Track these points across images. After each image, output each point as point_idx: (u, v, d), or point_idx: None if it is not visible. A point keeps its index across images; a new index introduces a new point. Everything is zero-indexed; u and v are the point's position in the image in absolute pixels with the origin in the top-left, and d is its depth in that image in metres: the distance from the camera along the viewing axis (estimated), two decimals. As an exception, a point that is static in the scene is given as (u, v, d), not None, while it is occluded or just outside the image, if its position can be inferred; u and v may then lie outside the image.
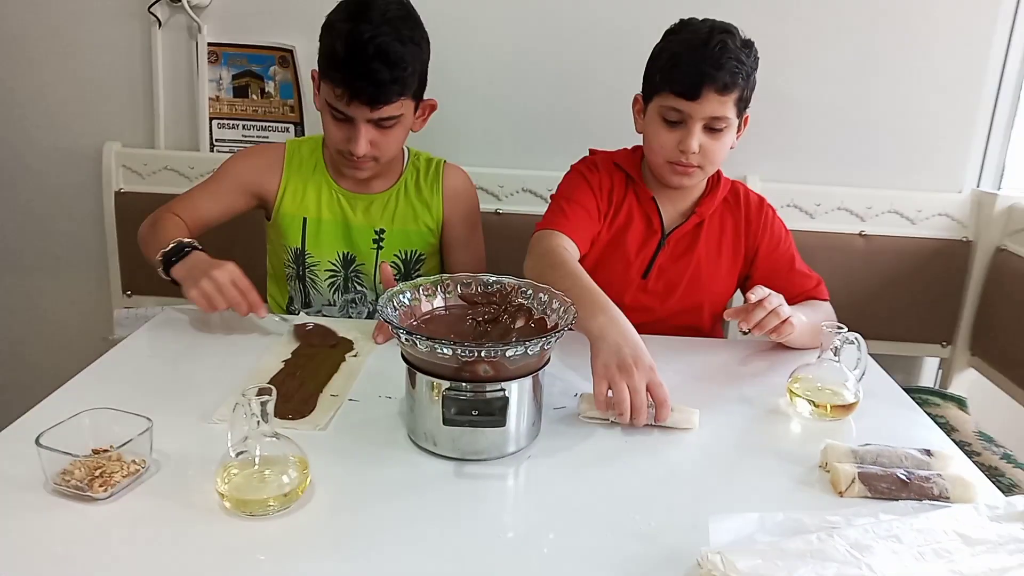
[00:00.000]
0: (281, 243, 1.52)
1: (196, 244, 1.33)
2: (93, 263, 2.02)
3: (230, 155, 1.87)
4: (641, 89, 1.41)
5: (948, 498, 0.90)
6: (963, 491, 0.91)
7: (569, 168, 1.50)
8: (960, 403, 1.81)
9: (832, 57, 1.83)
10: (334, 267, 1.53)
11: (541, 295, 1.06)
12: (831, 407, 1.11)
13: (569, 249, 1.33)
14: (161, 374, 1.18)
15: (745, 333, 1.25)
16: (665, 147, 1.35)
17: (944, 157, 1.90)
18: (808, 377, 1.15)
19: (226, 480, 0.86)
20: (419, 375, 0.95)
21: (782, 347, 1.33)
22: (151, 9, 1.84)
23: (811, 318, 1.31)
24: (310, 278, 1.53)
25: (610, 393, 1.03)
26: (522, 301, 1.07)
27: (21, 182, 2.00)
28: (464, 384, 0.92)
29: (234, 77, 1.91)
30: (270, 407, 0.85)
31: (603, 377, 1.04)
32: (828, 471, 0.97)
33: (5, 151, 1.98)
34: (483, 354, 0.89)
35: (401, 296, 1.04)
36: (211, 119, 1.94)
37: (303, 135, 1.94)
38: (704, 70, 1.27)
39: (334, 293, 1.54)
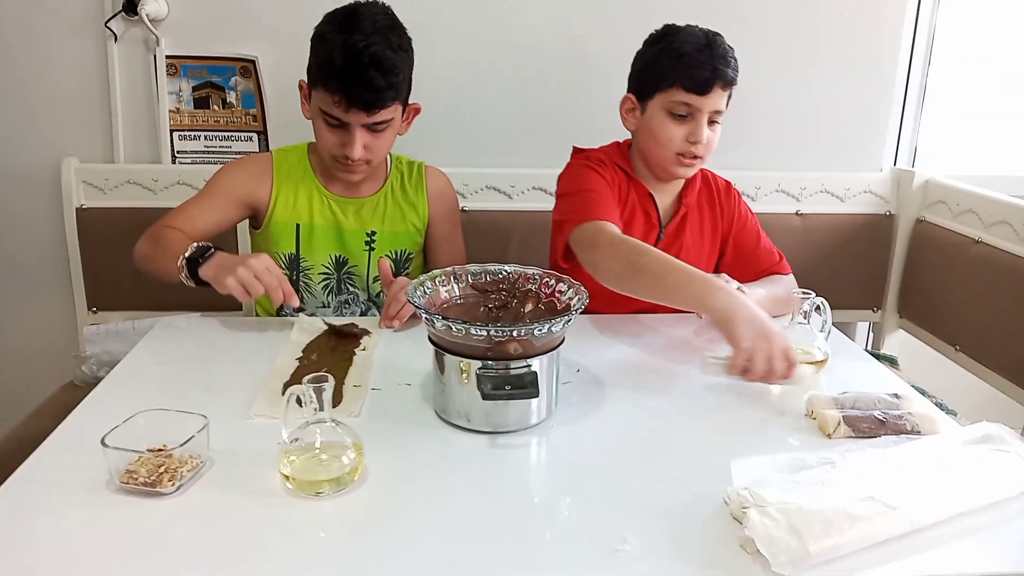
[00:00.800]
0: (273, 250, 1.57)
1: (216, 246, 1.37)
2: (56, 281, 1.99)
3: (198, 167, 1.93)
4: (631, 89, 1.53)
5: (920, 432, 1.04)
6: (930, 425, 1.05)
7: (568, 164, 1.56)
8: (892, 362, 1.99)
9: (767, 52, 1.99)
10: (327, 270, 1.58)
11: (549, 280, 1.16)
12: (803, 364, 1.25)
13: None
14: (179, 381, 1.22)
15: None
16: (675, 140, 1.45)
17: (865, 139, 2.09)
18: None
19: (288, 464, 0.92)
20: (448, 357, 1.03)
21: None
22: (107, 24, 1.84)
23: (772, 291, 1.45)
24: (304, 282, 1.58)
25: None
26: (529, 287, 1.17)
27: (-25, 201, 1.96)
28: (493, 363, 1.01)
29: (194, 88, 1.93)
30: (327, 395, 0.92)
31: (749, 347, 1.12)
32: (815, 418, 1.10)
33: (-44, 170, 1.94)
34: (515, 333, 0.98)
35: (423, 287, 1.12)
36: (172, 131, 1.95)
37: (267, 143, 1.97)
38: (716, 67, 1.41)
39: (328, 295, 1.60)
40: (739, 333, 1.14)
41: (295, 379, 1.19)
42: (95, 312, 1.99)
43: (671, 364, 1.31)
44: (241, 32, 1.89)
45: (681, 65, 1.42)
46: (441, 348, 1.04)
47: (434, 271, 1.16)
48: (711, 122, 1.46)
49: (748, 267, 1.58)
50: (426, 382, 1.18)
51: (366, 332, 1.38)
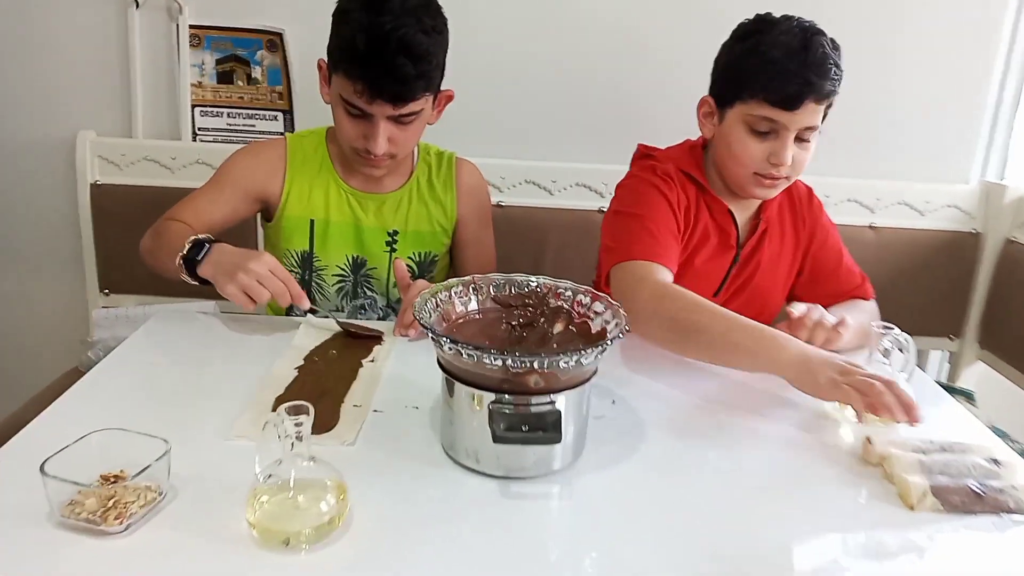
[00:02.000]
0: (284, 247, 1.42)
1: (212, 238, 1.23)
2: (68, 260, 1.90)
3: (219, 146, 1.81)
4: (711, 91, 1.32)
5: (1026, 511, 0.85)
6: (1040, 503, 0.86)
7: (630, 171, 1.38)
8: (968, 397, 1.78)
9: (845, 46, 1.77)
10: (343, 271, 1.44)
11: (582, 296, 0.99)
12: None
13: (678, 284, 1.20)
14: (167, 383, 1.08)
15: None
16: (755, 159, 1.25)
17: (951, 147, 1.87)
18: (855, 378, 1.10)
19: (256, 508, 0.77)
20: (457, 386, 0.88)
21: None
22: (128, -12, 1.72)
23: (856, 320, 1.25)
24: (316, 283, 1.44)
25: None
26: (560, 303, 1.00)
27: (-12, 174, 1.87)
28: (510, 396, 0.85)
29: (218, 62, 1.80)
30: (307, 428, 0.77)
31: (837, 390, 1.00)
32: (893, 480, 0.92)
33: (-31, 141, 1.84)
34: (536, 365, 0.81)
35: (434, 299, 0.96)
36: (193, 106, 1.82)
37: (292, 123, 1.84)
38: (808, 79, 1.18)
39: (342, 299, 1.45)
40: (818, 383, 1.01)
41: (290, 393, 1.05)
42: (107, 294, 1.88)
43: (725, 399, 1.13)
44: (269, 3, 1.76)
45: (766, 74, 1.20)
46: (450, 374, 0.88)
47: (450, 280, 1.00)
48: (800, 139, 1.25)
49: (827, 288, 1.38)
50: (437, 407, 1.03)
51: (379, 336, 1.23)
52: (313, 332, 1.25)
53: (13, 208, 1.88)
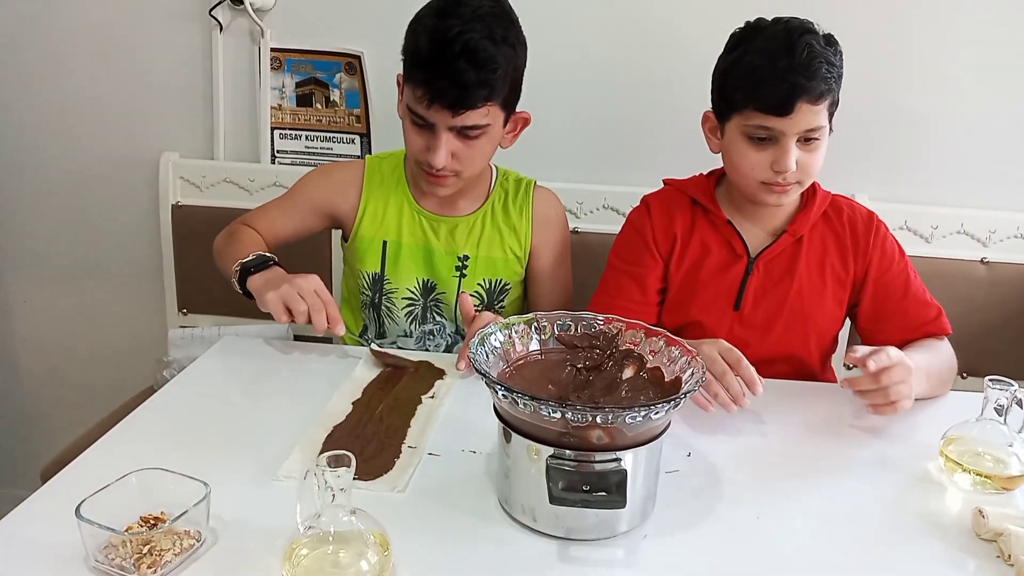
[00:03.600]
0: (357, 267, 1.40)
1: (276, 259, 1.27)
2: (148, 278, 1.92)
3: (296, 168, 1.80)
4: (712, 106, 1.26)
5: None
6: None
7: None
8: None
9: (953, 63, 1.64)
10: (412, 295, 1.40)
11: (656, 339, 0.91)
12: (996, 478, 0.94)
13: None
14: (218, 417, 1.05)
15: (848, 368, 1.10)
16: (757, 168, 1.19)
17: (1078, 176, 1.69)
18: (965, 438, 0.98)
19: (295, 563, 0.72)
20: (514, 437, 0.81)
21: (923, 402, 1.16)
22: (212, 12, 1.74)
23: (930, 362, 1.14)
24: (386, 306, 1.40)
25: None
26: (631, 346, 0.92)
27: (75, 192, 1.91)
28: (571, 452, 0.77)
29: (297, 85, 1.80)
30: (347, 479, 0.71)
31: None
32: (1011, 562, 0.80)
33: (59, 159, 1.89)
34: (599, 420, 0.74)
35: (492, 339, 0.90)
36: (272, 129, 1.83)
37: (370, 146, 1.81)
38: (795, 81, 1.12)
39: (411, 323, 1.41)
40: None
41: (340, 432, 1.00)
42: (185, 314, 1.90)
43: (813, 454, 1.02)
44: (348, 25, 1.74)
45: (753, 83, 1.16)
46: (506, 423, 0.82)
47: (511, 318, 0.93)
48: (808, 141, 1.17)
49: (893, 322, 1.26)
50: (495, 453, 0.96)
51: (440, 372, 1.18)
52: (374, 362, 1.20)
53: (97, 226, 1.92)
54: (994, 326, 1.70)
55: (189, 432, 1.01)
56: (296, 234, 1.41)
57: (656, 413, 0.75)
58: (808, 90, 1.13)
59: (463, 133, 1.22)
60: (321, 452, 0.95)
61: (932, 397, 1.16)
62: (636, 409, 0.73)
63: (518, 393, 0.75)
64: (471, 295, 1.36)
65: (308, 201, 1.40)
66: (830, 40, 1.17)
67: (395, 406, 1.08)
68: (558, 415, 0.74)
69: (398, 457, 0.95)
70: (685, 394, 0.77)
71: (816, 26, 1.18)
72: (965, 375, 1.62)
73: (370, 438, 0.99)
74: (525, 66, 1.26)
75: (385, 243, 1.38)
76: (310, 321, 1.15)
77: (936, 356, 1.20)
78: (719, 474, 0.96)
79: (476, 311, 1.23)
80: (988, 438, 0.97)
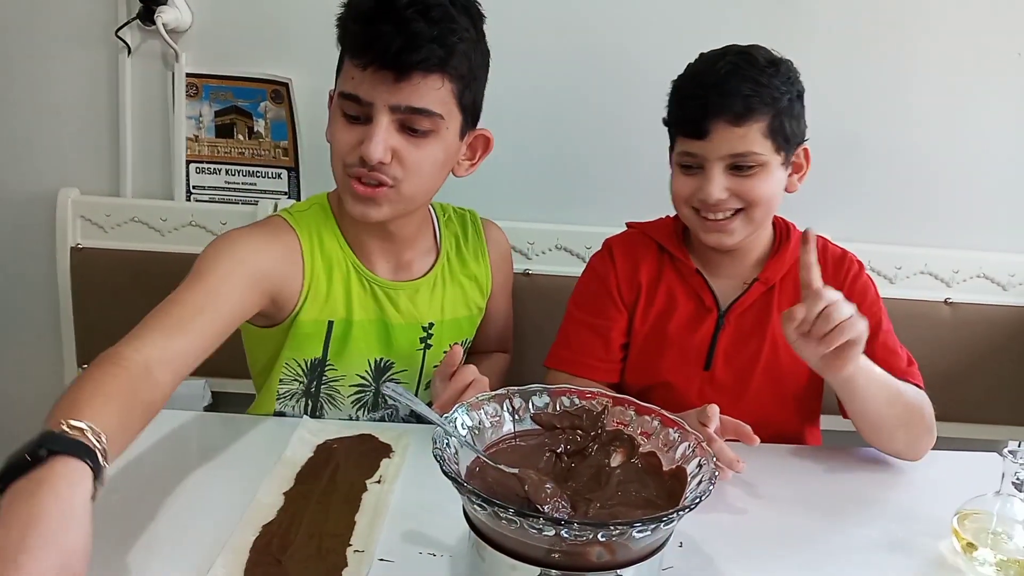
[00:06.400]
0: (289, 356, 1.12)
1: (95, 444, 0.69)
2: (44, 331, 1.70)
3: (215, 207, 1.62)
4: None
5: None
6: None
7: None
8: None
9: (912, 97, 1.59)
10: (363, 379, 1.17)
11: (649, 419, 0.78)
12: (1021, 563, 0.84)
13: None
14: (133, 512, 0.86)
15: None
16: (680, 195, 1.13)
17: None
18: (980, 514, 0.89)
19: None
20: (490, 553, 0.66)
21: (924, 465, 1.07)
22: (119, 33, 1.55)
23: (888, 378, 1.03)
24: (327, 394, 1.16)
25: None
26: (619, 426, 0.79)
27: (-41, 234, 1.69)
28: (561, 573, 0.63)
29: (216, 114, 1.62)
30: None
31: None
32: None
33: (-59, 197, 1.67)
34: (601, 536, 0.60)
35: (458, 424, 0.75)
36: (188, 162, 1.64)
37: (298, 182, 1.65)
38: (708, 99, 1.05)
39: (359, 410, 1.19)
40: None
41: (273, 533, 0.83)
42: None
43: (817, 535, 0.91)
44: (273, 49, 1.58)
45: (674, 105, 1.13)
46: (480, 535, 0.67)
47: (479, 396, 0.79)
48: (741, 168, 1.07)
49: None
50: (461, 557, 0.80)
51: (386, 451, 1.02)
52: (308, 439, 1.03)
53: (-14, 270, 1.70)
54: (960, 369, 1.64)
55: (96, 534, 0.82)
56: (224, 332, 0.96)
57: (669, 523, 0.61)
58: (724, 108, 1.04)
59: (407, 124, 1.00)
60: (248, 561, 0.79)
61: (905, 438, 1.05)
62: (649, 523, 0.60)
63: (499, 506, 0.61)
64: (434, 367, 1.16)
65: (242, 276, 1.00)
66: (773, 62, 1.08)
67: (335, 496, 0.91)
68: (552, 532, 0.60)
69: (346, 566, 0.79)
70: (703, 495, 0.64)
71: (765, 51, 1.09)
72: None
73: (305, 542, 0.82)
74: (487, 76, 1.09)
75: (331, 324, 1.11)
76: None
77: (901, 385, 1.06)
78: (716, 568, 0.83)
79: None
80: (1007, 515, 0.87)
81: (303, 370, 1.14)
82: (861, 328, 0.92)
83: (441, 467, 0.65)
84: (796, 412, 1.20)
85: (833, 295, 0.92)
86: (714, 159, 1.07)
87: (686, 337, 1.17)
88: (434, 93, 0.99)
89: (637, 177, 1.57)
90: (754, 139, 1.06)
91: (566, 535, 0.59)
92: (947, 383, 1.63)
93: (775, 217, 1.21)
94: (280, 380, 1.14)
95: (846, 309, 0.91)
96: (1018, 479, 0.86)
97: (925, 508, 0.97)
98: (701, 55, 1.14)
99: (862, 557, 0.88)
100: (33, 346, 1.72)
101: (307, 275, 1.08)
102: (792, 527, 0.92)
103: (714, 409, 0.94)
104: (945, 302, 1.65)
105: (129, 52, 1.58)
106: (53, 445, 0.67)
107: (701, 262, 1.19)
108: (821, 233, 1.57)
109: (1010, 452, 0.86)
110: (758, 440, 0.94)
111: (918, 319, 1.63)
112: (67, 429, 0.69)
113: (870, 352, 1.15)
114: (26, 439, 0.68)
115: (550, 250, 1.64)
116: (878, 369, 1.02)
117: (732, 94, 1.04)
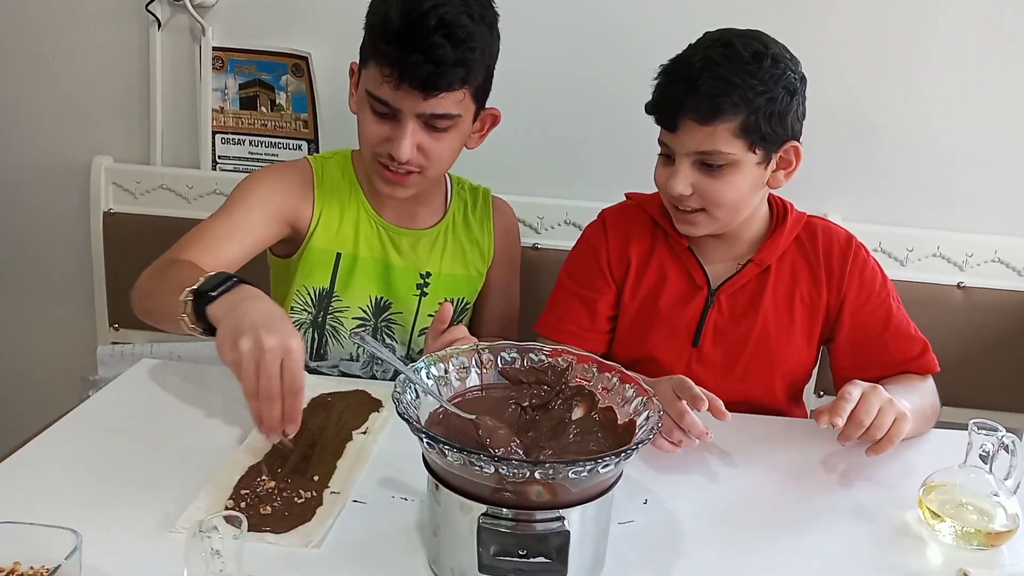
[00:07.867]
0: (300, 283, 1.24)
1: (240, 277, 0.93)
2: (77, 291, 1.79)
3: (239, 176, 1.67)
4: None
5: None
6: None
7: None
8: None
9: (932, 80, 1.57)
10: (364, 314, 1.26)
11: (609, 375, 0.81)
12: (983, 533, 0.85)
13: None
14: (119, 454, 0.93)
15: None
16: (659, 184, 1.14)
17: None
18: (946, 486, 0.90)
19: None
20: (443, 492, 0.70)
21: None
22: (149, 7, 1.62)
23: (914, 406, 1.03)
24: (332, 325, 1.26)
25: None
26: (582, 382, 0.82)
27: None
28: (507, 510, 0.67)
29: (241, 87, 1.68)
30: (234, 545, 0.60)
31: None
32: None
33: (-18, 164, 1.76)
34: (538, 475, 0.64)
35: (423, 374, 0.79)
36: (214, 133, 1.71)
37: (317, 153, 1.70)
38: (675, 97, 1.05)
39: (359, 348, 1.28)
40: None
41: (257, 473, 0.89)
42: (117, 329, 1.77)
43: (781, 501, 0.93)
44: (295, 24, 1.63)
45: (654, 91, 1.11)
46: (434, 475, 0.71)
47: (448, 350, 0.83)
48: (707, 165, 1.06)
49: (872, 358, 1.16)
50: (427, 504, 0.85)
51: (376, 406, 1.06)
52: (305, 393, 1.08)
53: (23, 234, 1.79)
54: (971, 355, 1.62)
55: (83, 473, 0.89)
56: (247, 254, 1.15)
57: (605, 467, 0.65)
58: (690, 107, 1.04)
59: (431, 124, 1.10)
60: (230, 498, 0.84)
61: (915, 433, 1.06)
62: (581, 463, 0.63)
63: (445, 442, 0.65)
64: (429, 316, 1.25)
65: (264, 209, 1.18)
66: (758, 55, 1.04)
67: (325, 442, 0.96)
68: (490, 469, 0.63)
69: (321, 505, 0.84)
70: (637, 445, 0.67)
71: (757, 42, 1.05)
72: (941, 405, 1.54)
73: (286, 482, 0.87)
74: (498, 55, 1.16)
75: (339, 255, 1.24)
76: None
77: (918, 395, 1.09)
78: (678, 525, 0.86)
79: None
80: (972, 487, 0.88)
81: (312, 299, 1.24)
82: (892, 415, 0.95)
83: (396, 408, 0.70)
84: (783, 392, 1.21)
85: (854, 396, 0.94)
86: (682, 153, 1.07)
87: (676, 313, 1.19)
88: (456, 103, 1.10)
89: (644, 154, 1.58)
90: (721, 138, 1.04)
91: (504, 471, 0.63)
92: (958, 369, 1.61)
93: (772, 197, 1.21)
94: (291, 309, 1.24)
95: (872, 406, 0.94)
96: (984, 452, 0.87)
97: (894, 480, 0.98)
98: (690, 44, 1.11)
99: (825, 523, 0.89)
100: (68, 304, 1.81)
101: (317, 206, 1.21)
102: (758, 492, 0.94)
103: (688, 381, 0.96)
104: (958, 286, 1.63)
105: (159, 26, 1.65)
106: (230, 280, 0.91)
107: (695, 240, 1.20)
108: (832, 213, 1.60)
109: (977, 425, 0.87)
110: (729, 416, 0.95)
111: (930, 303, 1.62)
112: (228, 273, 0.93)
113: (882, 344, 1.17)
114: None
115: (559, 224, 1.67)
116: (916, 403, 1.04)
117: (699, 93, 1.03)
